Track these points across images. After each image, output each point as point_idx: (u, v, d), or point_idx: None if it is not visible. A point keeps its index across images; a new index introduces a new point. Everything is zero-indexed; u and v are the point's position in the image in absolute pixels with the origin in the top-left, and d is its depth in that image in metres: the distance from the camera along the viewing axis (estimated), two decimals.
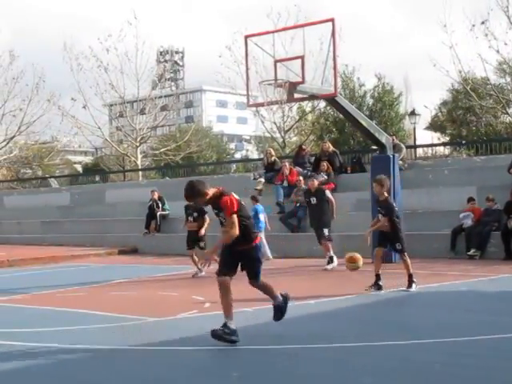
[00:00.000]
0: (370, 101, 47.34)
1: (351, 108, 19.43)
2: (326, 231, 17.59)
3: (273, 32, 19.36)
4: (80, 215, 30.92)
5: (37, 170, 67.99)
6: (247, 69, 19.17)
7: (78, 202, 32.92)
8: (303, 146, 28.32)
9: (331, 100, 18.87)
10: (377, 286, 12.80)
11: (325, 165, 23.82)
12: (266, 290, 9.06)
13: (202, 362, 7.82)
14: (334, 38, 17.45)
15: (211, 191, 8.63)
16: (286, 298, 9.12)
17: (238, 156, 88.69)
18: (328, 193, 18.18)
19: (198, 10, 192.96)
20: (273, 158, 26.29)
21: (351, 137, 45.20)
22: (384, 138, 19.40)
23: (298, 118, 46.35)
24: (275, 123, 44.34)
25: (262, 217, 20.69)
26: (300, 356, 7.92)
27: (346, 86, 45.65)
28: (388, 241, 13.02)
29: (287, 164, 25.14)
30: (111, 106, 55.78)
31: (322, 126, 48.12)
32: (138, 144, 47.03)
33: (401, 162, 22.41)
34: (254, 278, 8.85)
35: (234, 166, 58.86)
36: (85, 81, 45.01)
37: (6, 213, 35.06)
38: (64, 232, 29.53)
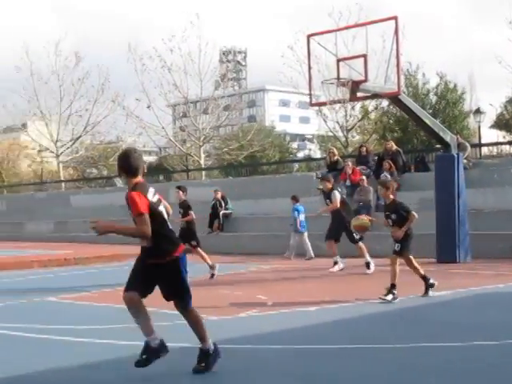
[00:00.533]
0: (433, 99, 46.81)
1: (415, 106, 19.26)
2: (355, 234, 16.65)
3: (335, 31, 19.33)
4: None
5: (102, 169, 69.04)
6: (309, 68, 19.18)
7: None
8: (362, 145, 28.33)
9: (394, 99, 18.74)
10: (430, 285, 12.23)
11: (388, 164, 23.66)
12: (198, 325, 7.40)
13: (263, 361, 7.83)
14: (397, 36, 17.32)
15: (138, 179, 7.07)
16: (216, 351, 7.29)
17: (300, 155, 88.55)
18: (335, 194, 16.90)
19: (260, 10, 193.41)
20: (335, 158, 26.22)
21: (415, 135, 44.75)
22: (448, 136, 19.18)
23: (360, 116, 46.08)
24: (338, 122, 44.18)
25: (302, 216, 20.87)
26: (362, 356, 7.88)
27: (409, 84, 45.23)
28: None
29: (350, 163, 25.07)
30: (175, 106, 56.26)
31: (384, 125, 47.77)
32: (201, 144, 47.31)
33: (465, 160, 22.12)
34: (179, 300, 7.26)
35: (296, 165, 58.87)
36: (149, 81, 45.48)
37: (72, 212, 35.69)
38: None
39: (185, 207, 16.34)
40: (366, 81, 17.40)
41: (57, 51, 49.21)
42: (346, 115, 43.51)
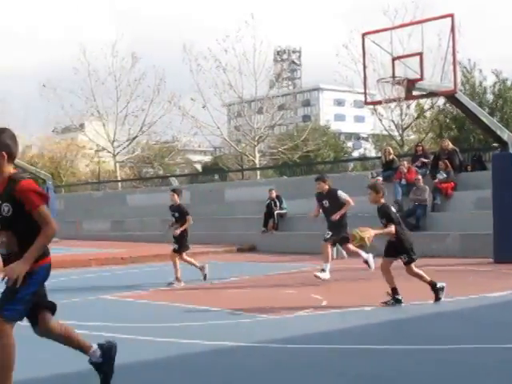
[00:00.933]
0: (490, 97, 46.20)
1: (471, 105, 19.04)
2: (328, 233, 15.31)
3: (390, 29, 19.21)
4: (199, 214, 31.39)
5: (158, 169, 69.69)
6: (364, 67, 19.09)
7: (197, 201, 33.50)
8: (418, 144, 28.07)
9: (451, 97, 18.55)
10: (394, 300, 11.34)
11: (443, 163, 23.42)
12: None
13: (316, 361, 7.82)
14: (453, 34, 17.14)
15: (10, 168, 5.71)
16: (107, 350, 6.22)
17: (355, 154, 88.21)
18: (341, 193, 15.61)
19: (314, 9, 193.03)
20: (391, 157, 26.05)
21: (471, 134, 44.22)
22: (506, 135, 18.91)
23: (416, 115, 45.72)
24: (393, 121, 43.93)
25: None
26: (418, 356, 7.83)
27: (465, 82, 44.71)
28: (395, 251, 11.35)
29: (405, 162, 24.90)
30: (230, 105, 56.51)
31: (441, 124, 47.28)
32: (255, 143, 47.47)
33: None
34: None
35: (351, 164, 58.63)
36: (204, 81, 45.85)
37: (128, 211, 36.07)
38: None
39: (181, 211, 15.74)
40: (421, 79, 17.26)
41: (113, 52, 49.89)
42: (401, 114, 43.25)
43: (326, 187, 15.69)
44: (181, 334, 9.24)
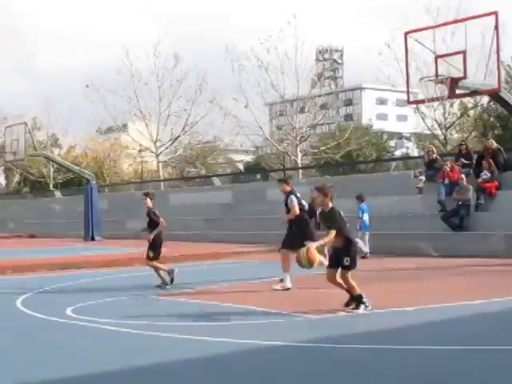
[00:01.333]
0: None
1: None
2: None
3: (433, 27, 19.10)
4: (241, 213, 31.51)
5: (200, 168, 70.00)
6: (407, 66, 18.99)
7: (239, 200, 33.57)
8: (462, 143, 27.78)
9: (494, 95, 18.37)
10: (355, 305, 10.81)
11: (487, 162, 23.15)
12: None
13: (355, 361, 7.78)
14: (497, 32, 16.98)
15: None
16: None
17: (398, 154, 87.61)
18: (291, 198, 14.63)
19: (356, 8, 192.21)
20: (434, 156, 25.84)
21: None
22: None
23: (459, 114, 45.29)
24: (436, 120, 43.56)
25: (366, 216, 20.70)
26: (462, 358, 7.76)
27: (510, 80, 44.17)
28: (339, 260, 10.70)
29: (448, 162, 24.68)
30: (272, 105, 56.50)
31: (484, 122, 46.77)
32: (297, 142, 47.41)
33: None
34: None
35: (393, 163, 58.30)
36: (246, 81, 45.93)
37: (171, 210, 36.22)
38: (225, 229, 30.21)
39: (150, 216, 15.36)
40: (465, 77, 17.13)
41: (156, 52, 50.20)
42: (444, 112, 42.89)
43: (288, 189, 14.94)
44: (228, 334, 9.25)
